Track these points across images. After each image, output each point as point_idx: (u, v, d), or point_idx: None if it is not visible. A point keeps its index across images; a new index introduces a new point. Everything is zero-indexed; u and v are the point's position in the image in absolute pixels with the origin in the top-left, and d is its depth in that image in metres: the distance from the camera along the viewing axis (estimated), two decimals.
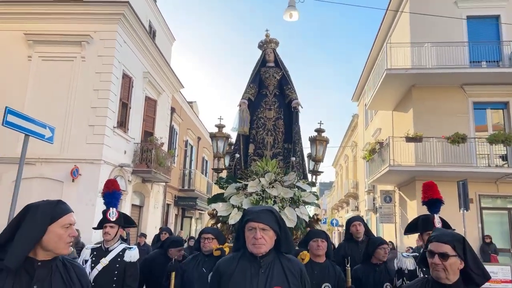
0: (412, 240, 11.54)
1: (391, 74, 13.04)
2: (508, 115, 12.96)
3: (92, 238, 9.13)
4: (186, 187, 20.24)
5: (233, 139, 5.35)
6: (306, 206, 4.56)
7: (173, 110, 18.55)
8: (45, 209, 1.77)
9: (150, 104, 15.58)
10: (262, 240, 2.06)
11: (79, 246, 8.24)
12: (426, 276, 2.27)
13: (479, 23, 13.71)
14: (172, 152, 17.18)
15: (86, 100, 12.02)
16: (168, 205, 18.38)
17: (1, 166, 11.38)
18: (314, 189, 4.86)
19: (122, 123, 13.36)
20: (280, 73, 5.26)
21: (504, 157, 12.23)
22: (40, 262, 1.75)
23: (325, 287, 3.39)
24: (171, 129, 18.34)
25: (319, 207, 5.19)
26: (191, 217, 22.95)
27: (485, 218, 12.49)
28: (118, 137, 12.93)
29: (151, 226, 15.34)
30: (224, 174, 5.09)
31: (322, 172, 5.06)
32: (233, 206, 4.32)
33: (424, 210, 3.56)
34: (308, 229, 4.21)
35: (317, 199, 4.78)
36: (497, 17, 13.69)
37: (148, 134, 15.13)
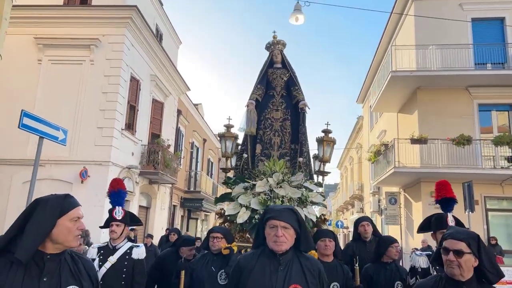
0: (417, 241, 11.58)
1: (396, 76, 13.09)
2: None
3: (100, 239, 9.21)
4: (192, 189, 20.33)
5: (240, 139, 5.39)
6: (313, 206, 4.63)
7: (179, 112, 18.67)
8: (54, 203, 1.80)
9: (157, 107, 15.73)
10: (283, 238, 2.11)
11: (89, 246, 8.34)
12: (439, 273, 2.29)
13: (484, 25, 13.71)
14: (178, 154, 17.29)
15: (94, 102, 12.17)
16: (175, 206, 18.47)
17: (11, 168, 11.57)
18: (320, 189, 4.91)
19: (130, 125, 13.51)
20: (288, 74, 5.31)
21: (509, 159, 12.18)
22: (49, 255, 1.77)
23: (334, 286, 3.42)
24: (178, 131, 18.44)
25: (326, 207, 5.25)
26: (196, 219, 23.00)
27: (490, 219, 12.46)
28: (126, 139, 13.07)
29: (157, 227, 15.46)
30: (231, 174, 5.15)
31: (329, 172, 5.13)
32: (241, 205, 4.36)
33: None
34: (316, 229, 4.25)
35: (324, 200, 4.83)
36: (502, 19, 13.69)
37: (155, 136, 15.26)
